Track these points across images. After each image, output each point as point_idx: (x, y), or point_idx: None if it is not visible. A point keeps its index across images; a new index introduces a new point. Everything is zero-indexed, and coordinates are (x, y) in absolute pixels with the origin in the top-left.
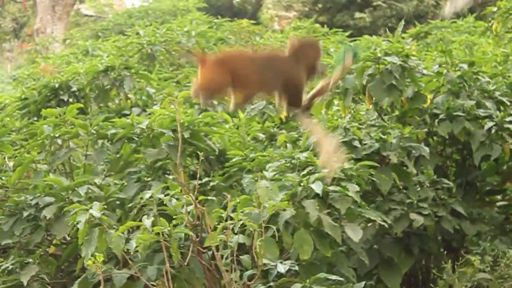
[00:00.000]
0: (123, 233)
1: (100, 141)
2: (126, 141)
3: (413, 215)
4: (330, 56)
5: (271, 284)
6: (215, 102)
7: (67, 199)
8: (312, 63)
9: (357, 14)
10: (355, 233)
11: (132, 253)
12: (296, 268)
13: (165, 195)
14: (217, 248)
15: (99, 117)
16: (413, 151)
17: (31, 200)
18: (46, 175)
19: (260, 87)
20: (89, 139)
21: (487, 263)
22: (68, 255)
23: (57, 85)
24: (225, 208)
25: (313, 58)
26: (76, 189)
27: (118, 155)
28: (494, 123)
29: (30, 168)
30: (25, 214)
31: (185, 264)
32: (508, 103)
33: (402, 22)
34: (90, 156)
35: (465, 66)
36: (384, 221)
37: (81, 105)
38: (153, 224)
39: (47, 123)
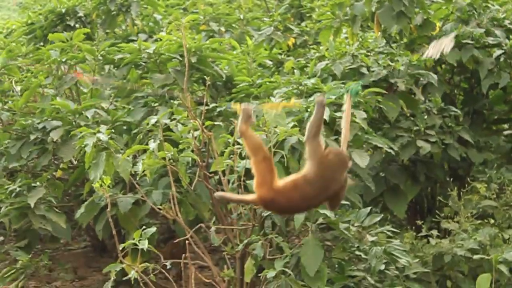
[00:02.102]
0: (129, 157)
1: (107, 67)
2: (133, 66)
3: (420, 142)
4: None
5: None
6: (223, 29)
7: (74, 123)
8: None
9: None
10: (361, 159)
11: (138, 178)
12: None
13: (171, 120)
14: (223, 172)
15: (106, 42)
16: (421, 79)
17: (38, 123)
18: (53, 99)
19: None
20: (96, 64)
21: (493, 191)
22: (75, 178)
23: (63, 11)
24: (231, 133)
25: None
26: (83, 112)
27: (125, 80)
28: (503, 51)
29: (37, 92)
30: (32, 137)
31: (192, 188)
32: None
33: None
34: (97, 81)
35: None
36: (391, 148)
37: (88, 30)
38: (159, 149)
39: (54, 48)
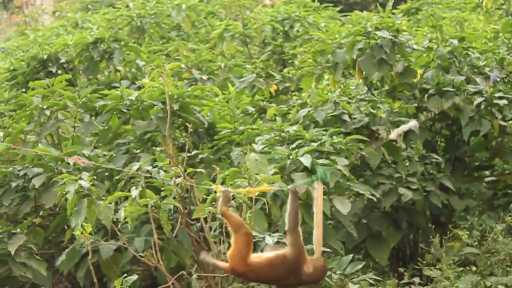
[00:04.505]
0: (111, 203)
1: (88, 114)
2: (114, 113)
3: (401, 190)
4: (320, 30)
5: None
6: (205, 78)
7: (56, 170)
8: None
9: None
10: (343, 206)
11: (120, 225)
12: (285, 240)
13: (154, 167)
14: (205, 220)
15: (87, 89)
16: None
17: (19, 170)
18: (35, 145)
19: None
20: (77, 111)
21: (475, 238)
22: (56, 225)
23: (45, 57)
24: (214, 180)
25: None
26: (65, 159)
27: (106, 127)
28: (484, 98)
29: (19, 138)
30: (14, 184)
31: (174, 235)
32: (498, 79)
33: None
34: (78, 128)
35: (455, 41)
36: (373, 195)
37: (69, 76)
38: (141, 196)
39: (36, 94)
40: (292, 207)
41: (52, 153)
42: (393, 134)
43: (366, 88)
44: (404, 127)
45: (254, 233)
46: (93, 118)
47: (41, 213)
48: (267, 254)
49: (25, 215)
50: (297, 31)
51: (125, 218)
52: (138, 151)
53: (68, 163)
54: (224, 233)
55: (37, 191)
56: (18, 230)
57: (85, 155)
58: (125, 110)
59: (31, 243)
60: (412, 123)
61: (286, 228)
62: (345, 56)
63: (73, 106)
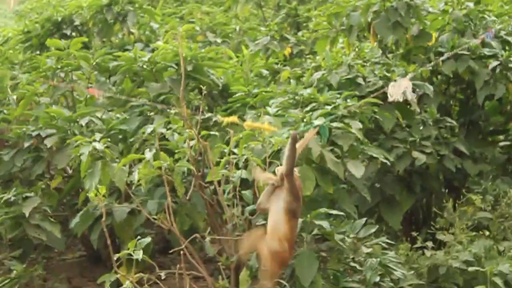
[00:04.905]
0: (125, 166)
1: (102, 77)
2: (127, 76)
3: (415, 153)
4: None
5: None
6: (219, 41)
7: (69, 131)
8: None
9: None
10: (357, 170)
11: (134, 187)
12: None
13: (168, 130)
14: (219, 183)
15: (101, 50)
16: (417, 89)
17: (32, 131)
18: (48, 107)
19: None
20: (91, 72)
21: (488, 202)
22: (70, 188)
23: (60, 19)
24: (227, 143)
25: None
26: (78, 121)
27: (120, 90)
28: (499, 62)
29: (33, 100)
30: (26, 144)
31: (187, 199)
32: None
33: None
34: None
35: (471, 4)
36: (387, 158)
37: (86, 39)
38: (155, 158)
39: (51, 55)
40: (290, 152)
41: (65, 113)
42: (392, 91)
43: (380, 51)
44: (400, 84)
45: None
46: (107, 80)
47: (55, 176)
48: (280, 222)
49: (38, 177)
50: None
51: (138, 181)
52: (152, 113)
53: (82, 125)
54: (238, 196)
55: (50, 151)
56: (32, 192)
57: (98, 117)
58: (138, 72)
59: (45, 206)
60: (405, 81)
61: (282, 171)
62: (360, 19)
63: (86, 67)
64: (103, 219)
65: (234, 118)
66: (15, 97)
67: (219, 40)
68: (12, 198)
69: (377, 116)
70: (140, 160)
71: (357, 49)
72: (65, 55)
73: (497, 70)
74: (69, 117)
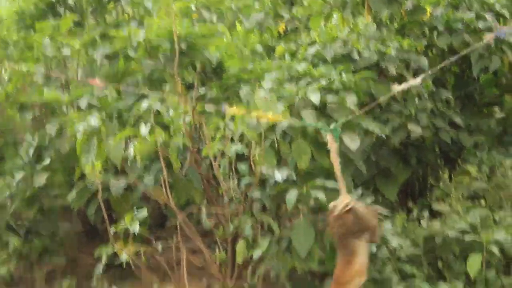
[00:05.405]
0: (121, 141)
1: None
2: (121, 56)
3: (411, 126)
4: None
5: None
6: (214, 19)
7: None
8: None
9: None
10: (352, 142)
11: (129, 163)
12: (294, 177)
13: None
14: (214, 157)
15: (96, 30)
16: (412, 63)
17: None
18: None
19: None
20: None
21: (484, 173)
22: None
23: None
24: (223, 118)
25: None
26: (75, 102)
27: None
28: (494, 35)
29: (26, 80)
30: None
31: (183, 173)
32: (508, 16)
33: None
34: (85, 68)
35: None
36: (382, 131)
37: (75, 17)
38: (151, 134)
39: (42, 35)
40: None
41: (60, 97)
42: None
43: (375, 26)
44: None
45: (263, 170)
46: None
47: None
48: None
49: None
50: None
51: (134, 156)
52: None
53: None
54: (234, 170)
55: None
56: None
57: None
58: (132, 55)
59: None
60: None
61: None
62: None
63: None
64: (99, 194)
65: (241, 110)
66: (7, 78)
67: (214, 19)
68: None
69: (372, 90)
70: (135, 136)
71: (351, 25)
72: (58, 35)
73: (492, 43)
74: (66, 101)
